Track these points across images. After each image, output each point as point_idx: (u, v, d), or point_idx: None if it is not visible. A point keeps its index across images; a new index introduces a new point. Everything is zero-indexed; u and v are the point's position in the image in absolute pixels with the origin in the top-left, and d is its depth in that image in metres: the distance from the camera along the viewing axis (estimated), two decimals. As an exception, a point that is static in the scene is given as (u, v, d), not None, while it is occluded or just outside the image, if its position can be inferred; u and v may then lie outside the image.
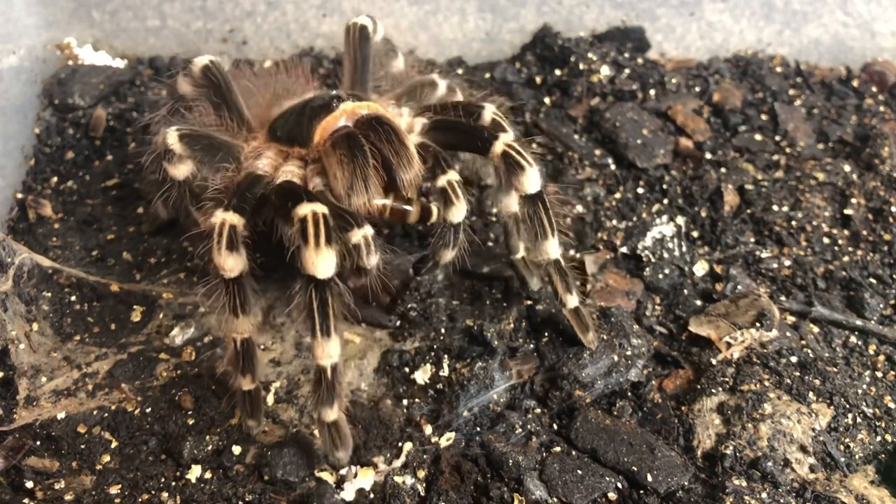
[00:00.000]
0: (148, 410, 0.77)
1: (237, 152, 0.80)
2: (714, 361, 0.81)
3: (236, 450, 0.74)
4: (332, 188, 0.74)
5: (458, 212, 0.73)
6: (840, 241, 0.96)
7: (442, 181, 0.73)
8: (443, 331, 0.85)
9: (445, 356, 0.82)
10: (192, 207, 0.82)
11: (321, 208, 0.66)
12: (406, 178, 0.73)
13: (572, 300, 0.79)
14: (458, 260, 0.78)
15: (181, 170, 0.78)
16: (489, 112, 0.81)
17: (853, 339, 0.86)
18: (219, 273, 0.69)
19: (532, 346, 0.83)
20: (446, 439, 0.75)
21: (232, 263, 0.68)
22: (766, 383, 0.78)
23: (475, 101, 0.84)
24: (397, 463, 0.73)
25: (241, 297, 0.70)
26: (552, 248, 0.77)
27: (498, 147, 0.75)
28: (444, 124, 0.81)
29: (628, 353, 0.81)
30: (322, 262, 0.64)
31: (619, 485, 0.71)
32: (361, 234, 0.70)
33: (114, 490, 0.71)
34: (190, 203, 0.82)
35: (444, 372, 0.81)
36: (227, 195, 0.73)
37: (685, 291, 0.91)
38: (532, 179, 0.74)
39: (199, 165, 0.79)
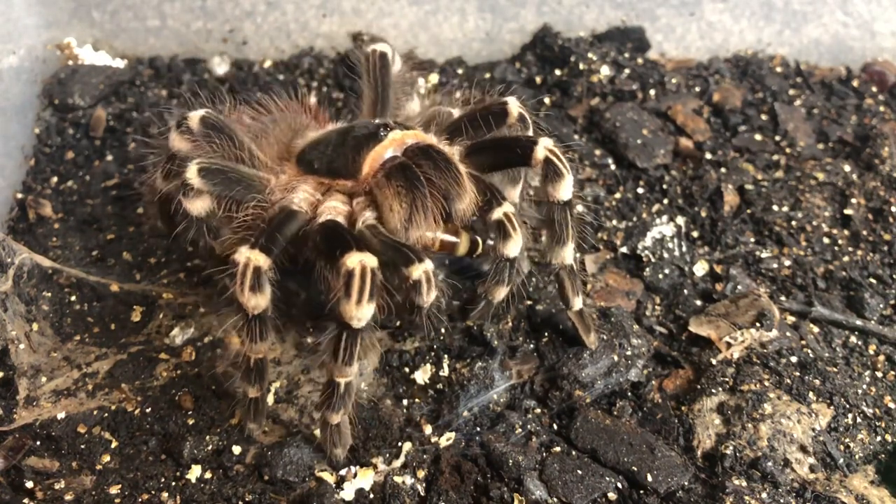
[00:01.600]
0: (148, 410, 0.77)
1: (262, 186, 0.76)
2: (714, 361, 0.81)
3: (236, 450, 0.74)
4: (387, 221, 0.71)
5: (515, 245, 0.70)
6: (840, 241, 0.96)
7: (497, 213, 0.70)
8: (443, 331, 0.85)
9: (445, 356, 0.82)
10: (210, 239, 0.79)
11: (370, 261, 0.63)
12: (461, 209, 0.70)
13: (578, 302, 0.78)
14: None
15: (198, 205, 0.74)
16: (514, 106, 0.78)
17: (853, 339, 0.86)
18: (241, 309, 0.67)
19: (532, 346, 0.83)
20: (446, 439, 0.75)
21: (255, 302, 0.66)
22: (766, 383, 0.78)
23: (496, 98, 0.81)
24: (397, 463, 0.73)
25: (262, 328, 0.68)
26: (568, 254, 0.76)
27: (540, 152, 0.72)
28: (480, 146, 0.77)
29: (628, 353, 0.81)
30: (361, 315, 0.63)
31: (619, 485, 0.71)
32: (422, 270, 0.66)
33: (114, 490, 0.71)
34: (207, 237, 0.78)
35: (444, 372, 0.81)
36: (254, 231, 0.70)
37: (685, 291, 0.91)
38: (567, 187, 0.73)
39: (219, 200, 0.75)
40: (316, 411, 0.78)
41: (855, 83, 1.19)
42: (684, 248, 0.95)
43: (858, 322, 0.86)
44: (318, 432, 0.75)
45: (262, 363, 0.71)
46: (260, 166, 0.79)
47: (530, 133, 0.79)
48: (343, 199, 0.75)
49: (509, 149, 0.76)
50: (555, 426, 0.77)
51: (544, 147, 0.72)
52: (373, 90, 0.85)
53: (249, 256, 0.66)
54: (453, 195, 0.70)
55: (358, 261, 0.63)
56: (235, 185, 0.74)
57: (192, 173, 0.72)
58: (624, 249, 0.95)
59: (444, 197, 0.70)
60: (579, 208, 0.97)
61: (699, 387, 0.79)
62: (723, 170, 1.04)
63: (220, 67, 1.20)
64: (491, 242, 0.74)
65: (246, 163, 0.77)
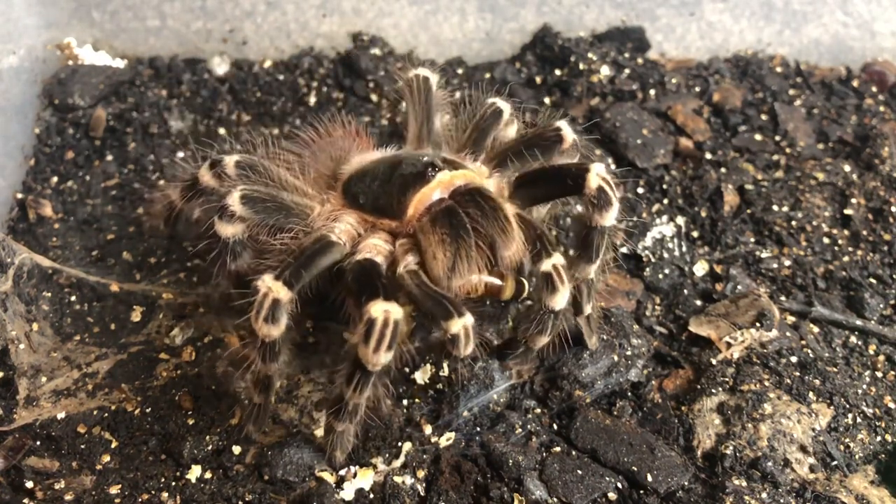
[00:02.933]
0: (148, 410, 0.77)
1: (306, 214, 0.74)
2: (714, 361, 0.81)
3: (236, 450, 0.74)
4: (430, 269, 0.68)
5: (562, 298, 0.68)
6: (840, 241, 0.96)
7: (546, 265, 0.68)
8: (443, 331, 0.85)
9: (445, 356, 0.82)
10: (230, 262, 0.76)
11: (396, 312, 0.62)
12: (507, 256, 0.68)
13: (589, 309, 0.78)
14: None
15: (230, 230, 0.72)
16: (568, 133, 0.76)
17: (853, 339, 0.86)
18: (255, 336, 0.66)
19: (532, 346, 0.83)
20: (446, 439, 0.75)
21: (269, 332, 0.65)
22: (766, 383, 0.78)
23: (549, 126, 0.78)
24: (397, 463, 0.73)
25: (273, 353, 0.67)
26: (592, 270, 0.75)
27: (593, 181, 0.70)
28: (529, 177, 0.75)
29: (628, 353, 0.81)
30: (377, 361, 0.62)
31: (619, 485, 0.71)
32: (462, 325, 0.64)
33: (114, 490, 0.71)
34: (228, 259, 0.76)
35: (444, 372, 0.81)
36: (282, 260, 0.68)
37: (685, 291, 0.91)
38: (613, 214, 0.72)
39: (257, 227, 0.73)
40: (316, 411, 0.78)
41: (855, 83, 1.19)
42: (684, 248, 0.95)
43: (858, 322, 0.86)
44: (318, 433, 0.75)
45: (271, 378, 0.71)
46: (302, 195, 0.76)
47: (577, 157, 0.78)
48: (386, 238, 0.72)
49: (561, 179, 0.73)
50: (555, 426, 0.77)
51: (597, 175, 0.70)
52: (416, 116, 0.83)
53: (271, 287, 0.64)
54: (499, 243, 0.68)
55: (382, 311, 0.62)
56: (276, 214, 0.72)
57: (234, 200, 0.70)
58: (624, 249, 0.95)
59: (489, 245, 0.68)
60: (579, 208, 0.98)
61: (699, 387, 0.79)
62: (723, 170, 1.04)
63: (220, 67, 1.20)
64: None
65: (287, 192, 0.76)
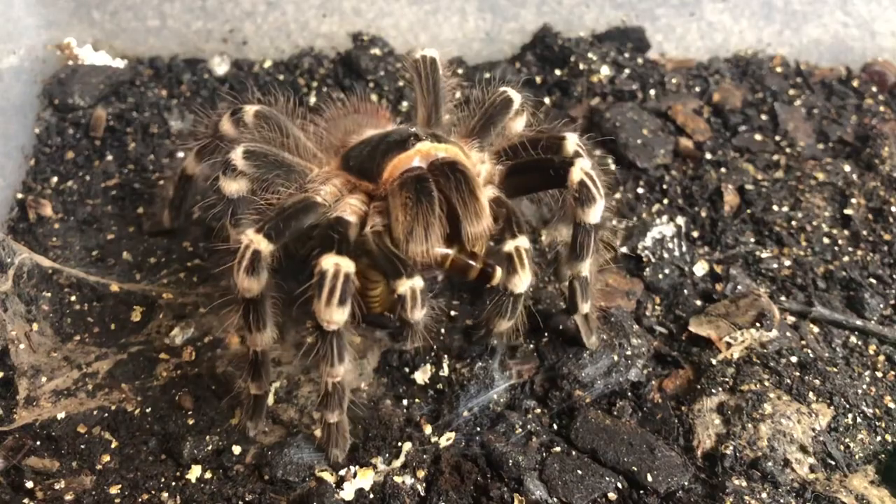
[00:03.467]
0: (148, 410, 0.77)
1: (304, 174, 0.76)
2: (714, 361, 0.81)
3: (236, 450, 0.74)
4: (392, 230, 0.70)
5: (522, 282, 0.69)
6: (840, 241, 0.96)
7: (509, 246, 0.68)
8: (443, 331, 0.85)
9: (445, 356, 0.82)
10: (230, 224, 0.78)
11: (346, 265, 0.63)
12: (471, 232, 0.69)
13: (586, 307, 0.78)
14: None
15: (234, 187, 0.74)
16: (572, 143, 0.76)
17: (853, 339, 0.86)
18: (237, 291, 0.67)
19: (532, 346, 0.83)
20: (446, 439, 0.75)
21: (249, 285, 0.66)
22: (766, 383, 0.78)
23: (555, 132, 0.79)
24: (397, 463, 0.73)
25: (258, 314, 0.68)
26: (585, 268, 0.75)
27: (576, 175, 0.71)
28: (519, 167, 0.76)
29: (628, 353, 0.81)
30: (330, 318, 0.63)
31: (619, 485, 0.71)
32: (409, 286, 0.66)
33: (114, 490, 0.71)
34: (229, 220, 0.77)
35: (444, 372, 0.81)
36: (265, 215, 0.69)
37: (685, 291, 0.91)
38: (598, 211, 0.72)
39: (259, 183, 0.75)
40: (316, 411, 0.78)
41: (855, 83, 1.19)
42: (684, 248, 0.95)
43: (858, 322, 0.86)
44: (318, 433, 0.75)
45: (263, 358, 0.71)
46: (307, 157, 0.78)
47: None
48: (363, 199, 0.74)
49: (545, 171, 0.75)
50: (555, 426, 0.77)
51: (581, 169, 0.71)
52: (424, 96, 0.84)
53: (252, 239, 0.66)
54: (463, 218, 0.69)
55: (333, 263, 0.63)
56: (276, 170, 0.74)
57: (237, 155, 0.72)
58: (624, 249, 0.95)
59: (453, 217, 0.69)
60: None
61: (699, 387, 0.79)
62: (723, 170, 1.04)
63: (220, 67, 1.20)
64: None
65: (292, 152, 0.78)
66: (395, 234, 0.69)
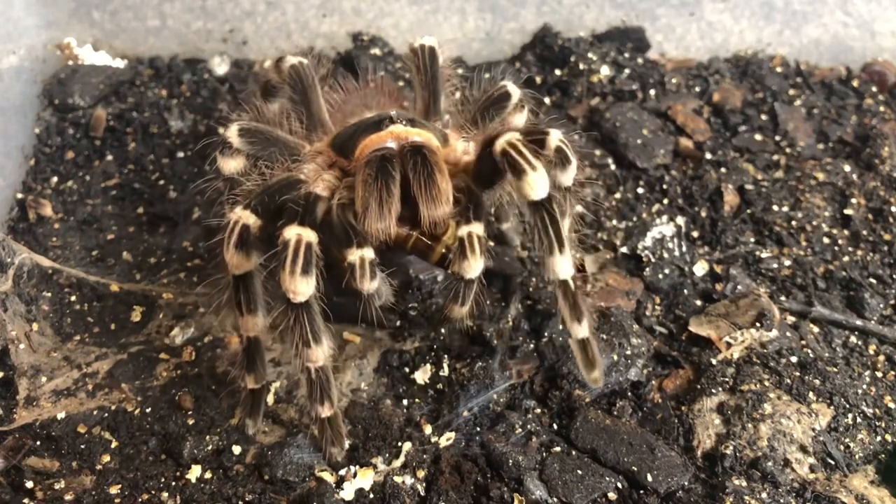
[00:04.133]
0: (148, 410, 0.77)
1: (296, 152, 0.78)
2: (714, 361, 0.81)
3: (236, 450, 0.74)
4: (354, 204, 0.72)
5: (471, 268, 0.68)
6: (840, 241, 0.96)
7: (462, 231, 0.68)
8: (443, 331, 0.85)
9: (445, 356, 0.82)
10: (228, 203, 0.79)
11: (308, 235, 0.65)
12: (427, 215, 0.70)
13: (581, 330, 0.71)
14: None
15: (230, 164, 0.77)
16: (554, 139, 0.72)
17: (853, 339, 0.86)
18: (226, 269, 0.69)
19: (532, 346, 0.83)
20: (446, 439, 0.75)
21: (238, 261, 0.68)
22: (766, 383, 0.78)
23: (539, 126, 0.77)
24: (397, 463, 0.73)
25: (248, 295, 0.69)
26: (560, 267, 0.69)
27: (553, 142, 0.71)
28: (483, 157, 0.75)
29: (628, 352, 0.81)
30: (295, 288, 0.64)
31: (619, 485, 0.71)
32: (358, 255, 0.67)
33: (114, 490, 0.71)
34: (226, 200, 0.79)
35: (444, 372, 0.81)
36: (251, 192, 0.71)
37: (685, 291, 0.91)
38: (571, 174, 0.72)
39: (254, 160, 0.77)
40: (309, 410, 0.78)
41: (855, 83, 1.19)
42: (684, 248, 0.95)
43: (858, 322, 0.86)
44: (315, 430, 0.75)
45: (256, 346, 0.72)
46: (315, 131, 0.82)
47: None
48: (338, 174, 0.76)
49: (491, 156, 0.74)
50: (555, 426, 0.77)
51: (556, 138, 0.72)
52: (422, 85, 0.85)
53: (240, 215, 0.68)
54: (421, 200, 0.70)
55: (295, 233, 0.65)
56: (271, 147, 0.77)
57: (232, 133, 0.76)
58: (624, 249, 0.95)
59: (412, 199, 0.70)
60: (578, 208, 0.98)
61: (699, 387, 0.79)
62: (723, 170, 1.04)
63: (220, 67, 1.20)
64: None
65: (310, 121, 0.82)
66: (356, 209, 0.71)
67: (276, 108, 0.91)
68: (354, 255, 0.67)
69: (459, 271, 0.68)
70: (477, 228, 0.68)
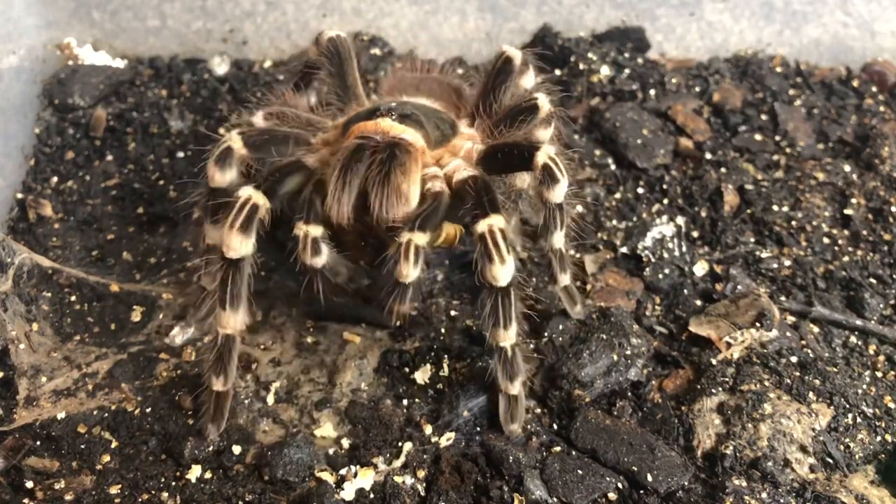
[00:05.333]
0: (148, 410, 0.77)
1: (308, 141, 0.80)
2: (714, 361, 0.81)
3: (236, 450, 0.74)
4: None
5: (405, 275, 0.69)
6: (840, 241, 0.96)
7: (403, 238, 0.69)
8: (443, 331, 0.85)
9: (445, 356, 0.82)
10: (207, 221, 0.80)
11: (259, 198, 0.68)
12: (377, 213, 0.71)
13: (565, 279, 0.83)
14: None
15: (225, 176, 0.76)
16: (545, 103, 0.80)
17: (853, 339, 0.86)
18: (222, 252, 0.68)
19: (532, 346, 0.83)
20: (446, 439, 0.75)
21: (238, 244, 0.68)
22: (766, 383, 0.78)
23: (528, 97, 0.82)
24: (397, 463, 0.73)
25: (235, 286, 0.69)
26: (557, 240, 0.79)
27: (540, 159, 0.73)
28: (494, 149, 0.79)
29: (628, 352, 0.81)
30: (230, 243, 0.67)
31: (620, 485, 0.71)
32: (304, 230, 0.70)
33: (114, 490, 0.71)
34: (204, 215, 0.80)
35: (444, 372, 0.81)
36: (262, 176, 0.73)
37: (685, 291, 0.91)
38: (562, 192, 0.74)
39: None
40: (316, 410, 0.78)
41: (855, 83, 1.19)
42: (684, 248, 0.95)
43: (858, 322, 0.86)
44: (318, 432, 0.75)
45: (230, 346, 0.71)
46: (350, 101, 0.86)
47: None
48: (332, 152, 0.78)
49: (514, 155, 0.77)
50: (555, 426, 0.77)
51: (545, 154, 0.74)
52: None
53: (251, 195, 0.69)
54: (374, 197, 0.71)
55: (247, 193, 0.68)
56: (281, 146, 0.78)
57: (234, 138, 0.75)
58: (624, 249, 0.95)
59: (364, 193, 0.71)
60: (579, 208, 0.98)
61: (699, 387, 0.79)
62: (723, 170, 1.04)
63: (220, 67, 1.20)
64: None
65: (344, 93, 0.86)
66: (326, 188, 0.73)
67: (305, 101, 0.92)
68: (300, 230, 0.71)
69: (396, 274, 0.70)
70: (418, 238, 0.69)
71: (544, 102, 0.81)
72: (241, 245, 0.68)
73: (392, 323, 0.85)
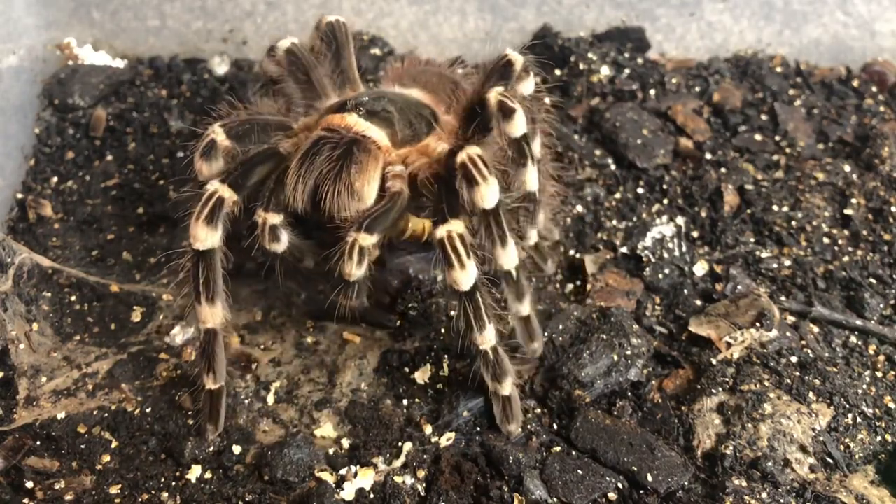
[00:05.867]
0: (148, 410, 0.77)
1: (287, 126, 0.80)
2: (714, 361, 0.81)
3: (236, 450, 0.74)
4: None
5: (348, 273, 0.69)
6: (840, 241, 0.96)
7: (349, 237, 0.69)
8: (443, 331, 0.85)
9: (445, 356, 0.82)
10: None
11: (225, 192, 0.69)
12: (328, 206, 0.71)
13: (532, 235, 0.81)
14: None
15: (213, 167, 0.77)
16: (517, 57, 0.79)
17: (853, 339, 0.86)
18: (189, 242, 0.69)
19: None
20: (446, 439, 0.75)
21: (204, 235, 0.68)
22: (766, 383, 0.78)
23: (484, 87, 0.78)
24: (397, 463, 0.73)
25: (207, 277, 0.69)
26: (531, 180, 0.77)
27: (493, 99, 0.73)
28: (459, 120, 0.79)
29: (628, 352, 0.81)
30: (195, 233, 0.68)
31: (619, 485, 0.71)
32: (262, 217, 0.72)
33: (114, 490, 0.71)
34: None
35: (444, 372, 0.81)
36: (231, 168, 0.73)
37: (685, 291, 0.91)
38: (520, 122, 0.73)
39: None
40: (316, 410, 0.78)
41: (855, 83, 1.19)
42: (684, 248, 0.95)
43: (858, 322, 0.86)
44: (318, 432, 0.74)
45: (214, 341, 0.71)
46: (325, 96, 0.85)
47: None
48: (307, 137, 0.78)
49: (474, 113, 0.76)
50: (555, 426, 0.77)
51: (496, 92, 0.73)
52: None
53: (217, 188, 0.69)
54: (326, 191, 0.71)
55: (215, 188, 0.69)
56: (262, 134, 0.78)
57: (217, 130, 0.76)
58: (624, 249, 0.95)
59: (314, 187, 0.72)
60: (579, 208, 0.98)
61: (699, 387, 0.79)
62: (723, 170, 1.04)
63: (220, 67, 1.20)
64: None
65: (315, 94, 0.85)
66: None
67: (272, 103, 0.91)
68: (259, 217, 0.72)
69: (340, 272, 0.70)
70: (363, 239, 0.69)
71: (515, 55, 0.80)
72: (206, 236, 0.68)
73: (392, 323, 0.85)
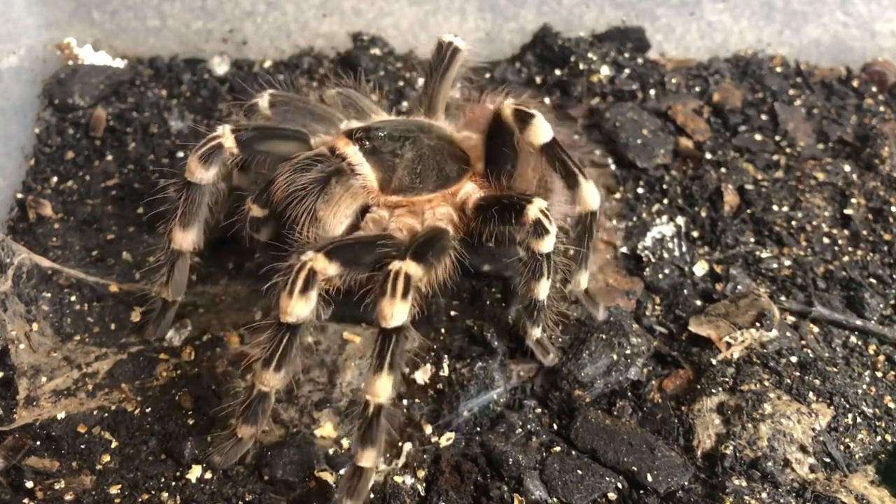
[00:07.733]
0: (148, 410, 0.77)
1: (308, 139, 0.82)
2: (714, 361, 0.81)
3: (236, 450, 0.74)
4: None
5: (289, 304, 0.65)
6: (840, 241, 0.96)
7: (305, 256, 0.65)
8: (443, 331, 0.85)
9: (445, 356, 0.82)
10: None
11: (227, 142, 0.73)
12: (292, 223, 0.72)
13: (536, 332, 0.79)
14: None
15: (208, 174, 0.75)
16: (534, 210, 0.73)
17: (853, 339, 0.86)
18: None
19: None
20: (446, 439, 0.75)
21: (200, 172, 0.74)
22: (766, 383, 0.78)
23: (524, 194, 0.76)
24: (397, 463, 0.73)
25: (188, 206, 0.74)
26: (540, 290, 0.76)
27: (532, 213, 0.72)
28: (485, 201, 0.79)
29: (628, 352, 0.81)
30: (191, 166, 0.72)
31: (619, 485, 0.71)
32: (248, 206, 0.75)
33: (114, 490, 0.71)
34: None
35: (444, 372, 0.81)
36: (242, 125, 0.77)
37: (685, 291, 0.91)
38: (550, 243, 0.73)
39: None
40: (316, 410, 0.78)
41: (855, 83, 1.19)
42: (684, 248, 0.95)
43: (858, 322, 0.86)
44: (319, 432, 0.74)
45: (178, 258, 0.77)
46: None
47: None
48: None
49: (507, 207, 0.75)
50: (555, 426, 0.77)
51: (537, 208, 0.72)
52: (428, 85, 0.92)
53: (222, 134, 0.73)
54: (294, 209, 0.72)
55: (220, 132, 0.73)
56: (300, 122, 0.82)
57: (226, 132, 0.75)
58: (624, 249, 0.95)
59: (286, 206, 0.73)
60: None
61: (699, 387, 0.79)
62: (723, 170, 1.04)
63: (220, 67, 1.20)
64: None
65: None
66: None
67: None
68: (246, 204, 0.76)
69: (279, 289, 0.66)
70: (319, 262, 0.65)
71: (534, 210, 0.73)
72: (199, 171, 0.73)
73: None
